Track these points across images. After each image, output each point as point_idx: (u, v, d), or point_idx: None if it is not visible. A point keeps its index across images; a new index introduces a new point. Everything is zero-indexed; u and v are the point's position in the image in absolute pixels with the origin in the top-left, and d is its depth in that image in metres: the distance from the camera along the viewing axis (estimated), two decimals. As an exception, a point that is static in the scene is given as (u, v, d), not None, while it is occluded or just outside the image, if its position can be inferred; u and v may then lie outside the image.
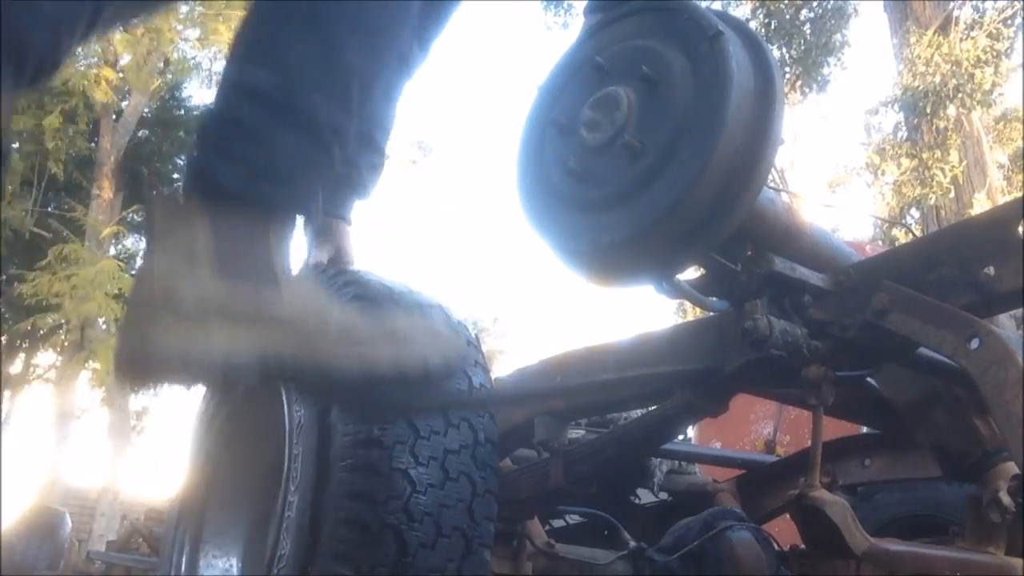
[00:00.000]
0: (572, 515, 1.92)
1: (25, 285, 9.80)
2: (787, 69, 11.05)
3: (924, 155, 9.35)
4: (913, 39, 9.71)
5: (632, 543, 1.64)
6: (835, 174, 13.81)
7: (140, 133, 12.39)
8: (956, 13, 10.06)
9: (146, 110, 12.31)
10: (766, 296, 1.15)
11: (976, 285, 1.08)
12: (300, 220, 1.03)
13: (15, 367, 12.30)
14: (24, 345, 12.13)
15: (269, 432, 1.41)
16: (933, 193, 9.14)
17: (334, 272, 1.33)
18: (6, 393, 12.01)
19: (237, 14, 9.04)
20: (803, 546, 1.38)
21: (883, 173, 10.11)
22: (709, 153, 1.06)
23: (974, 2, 10.35)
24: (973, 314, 1.05)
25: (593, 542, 1.71)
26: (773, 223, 1.25)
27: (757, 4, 11.49)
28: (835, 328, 1.18)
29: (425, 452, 1.11)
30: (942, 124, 9.28)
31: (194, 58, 11.92)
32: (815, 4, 11.48)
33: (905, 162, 9.58)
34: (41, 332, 11.84)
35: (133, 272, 10.52)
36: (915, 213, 10.15)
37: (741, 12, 11.39)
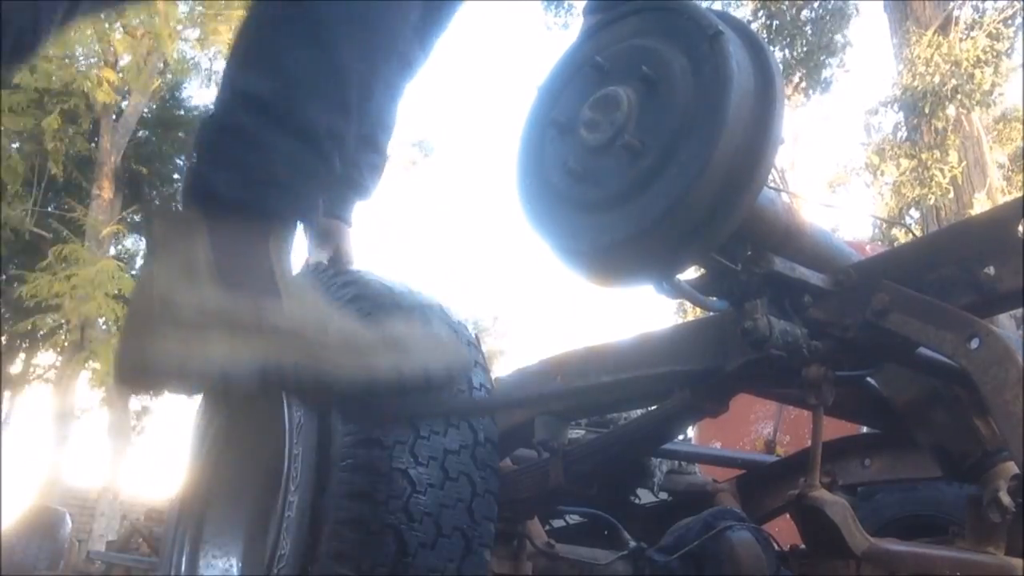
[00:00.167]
0: (572, 515, 1.92)
1: (25, 285, 9.80)
2: (790, 71, 11.05)
3: (923, 155, 9.35)
4: (913, 39, 9.71)
5: (632, 543, 1.64)
6: (835, 174, 13.82)
7: (140, 133, 12.40)
8: (956, 13, 10.05)
9: (146, 110, 12.31)
10: (766, 296, 1.15)
11: (976, 285, 1.08)
12: (300, 226, 1.03)
13: (15, 367, 12.30)
14: (24, 345, 12.13)
15: (269, 432, 1.41)
16: (932, 193, 9.14)
17: (333, 272, 1.33)
18: (6, 393, 12.01)
19: (237, 14, 9.06)
20: (803, 546, 1.37)
21: (882, 173, 10.10)
22: (709, 153, 1.05)
23: (974, 2, 10.36)
24: (973, 314, 1.05)
25: (593, 542, 1.71)
26: (773, 223, 1.25)
27: (758, 4, 11.49)
28: (835, 328, 1.18)
29: (425, 452, 1.11)
30: (941, 124, 9.28)
31: (194, 58, 11.94)
32: (816, 5, 11.48)
33: (904, 162, 9.58)
34: (41, 332, 11.84)
35: (133, 272, 10.54)
36: (915, 213, 10.14)
37: (742, 13, 11.38)
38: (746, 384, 1.30)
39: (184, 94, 12.89)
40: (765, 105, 1.10)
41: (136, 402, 12.22)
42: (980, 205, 8.91)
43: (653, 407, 1.42)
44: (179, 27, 10.99)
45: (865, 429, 1.84)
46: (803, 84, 11.42)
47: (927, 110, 9.31)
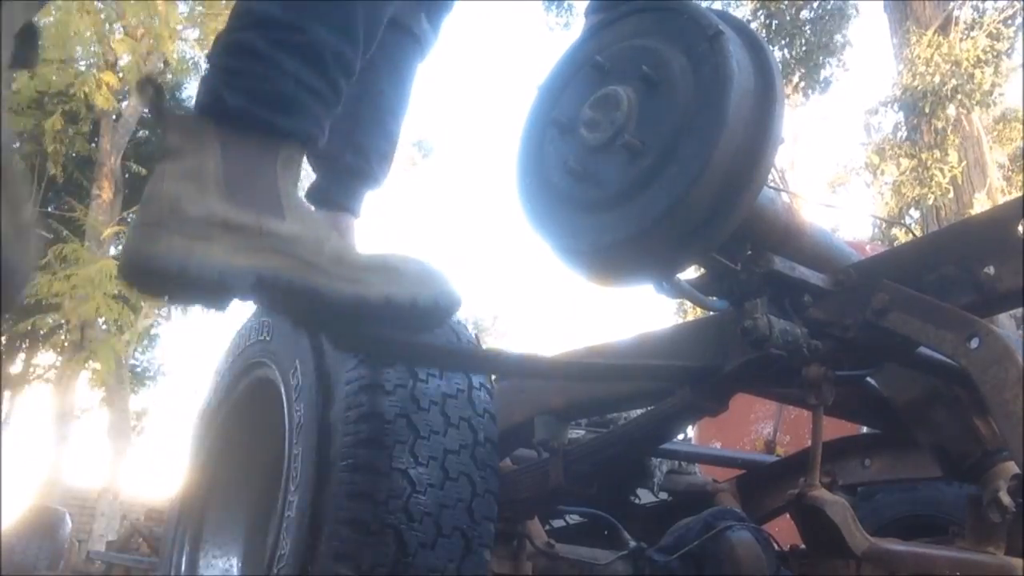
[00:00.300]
0: (572, 515, 1.92)
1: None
2: (789, 71, 11.04)
3: (923, 155, 9.35)
4: (913, 39, 9.70)
5: (632, 543, 1.64)
6: (835, 174, 13.82)
7: (140, 134, 12.40)
8: (956, 13, 10.05)
9: (146, 110, 12.31)
10: (766, 295, 1.16)
11: (976, 285, 1.08)
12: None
13: (15, 367, 12.30)
14: (24, 345, 12.13)
15: (269, 432, 1.41)
16: (932, 193, 9.14)
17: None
18: (6, 393, 12.01)
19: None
20: (803, 546, 1.38)
21: (882, 173, 10.10)
22: (709, 153, 1.06)
23: (974, 2, 10.35)
24: (973, 314, 1.05)
25: (593, 542, 1.71)
26: (773, 223, 1.25)
27: (758, 4, 11.49)
28: (835, 328, 1.18)
29: (425, 452, 1.11)
30: (941, 124, 9.27)
31: (194, 58, 11.93)
32: (816, 5, 11.47)
33: (904, 162, 9.57)
34: (41, 332, 11.84)
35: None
36: (915, 213, 10.14)
37: (742, 12, 11.37)
38: (746, 383, 1.30)
39: (184, 94, 12.88)
40: (765, 105, 1.10)
41: (136, 402, 12.21)
42: (980, 205, 8.91)
43: (653, 407, 1.41)
44: (179, 27, 11.00)
45: (865, 429, 1.84)
46: (802, 84, 11.42)
47: (927, 110, 9.31)
